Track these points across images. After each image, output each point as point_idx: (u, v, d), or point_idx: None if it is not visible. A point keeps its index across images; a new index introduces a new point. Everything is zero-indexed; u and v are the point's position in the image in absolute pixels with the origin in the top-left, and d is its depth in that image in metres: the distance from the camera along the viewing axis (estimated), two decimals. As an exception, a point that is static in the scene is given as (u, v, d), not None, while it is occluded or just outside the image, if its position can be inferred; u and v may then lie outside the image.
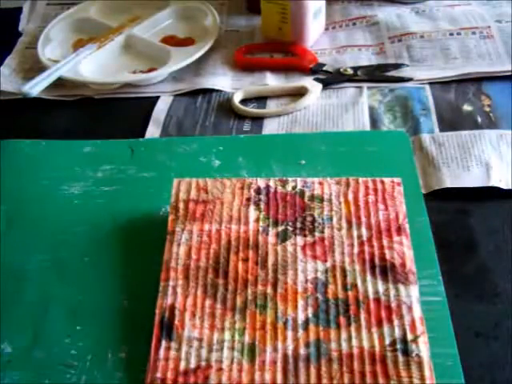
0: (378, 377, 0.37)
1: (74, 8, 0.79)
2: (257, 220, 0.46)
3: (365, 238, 0.44)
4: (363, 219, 0.46)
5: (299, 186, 0.48)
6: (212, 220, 0.46)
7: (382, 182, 0.48)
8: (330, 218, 0.46)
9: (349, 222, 0.46)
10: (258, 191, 0.48)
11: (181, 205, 0.48)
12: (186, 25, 0.77)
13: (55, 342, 0.42)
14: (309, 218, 0.46)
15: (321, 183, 0.49)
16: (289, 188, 0.48)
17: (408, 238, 0.44)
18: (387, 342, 0.38)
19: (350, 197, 0.47)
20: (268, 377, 0.38)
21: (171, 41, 0.73)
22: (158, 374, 0.38)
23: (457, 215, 0.50)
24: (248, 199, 0.48)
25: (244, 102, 0.64)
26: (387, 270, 0.42)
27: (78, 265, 0.48)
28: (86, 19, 0.77)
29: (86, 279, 0.47)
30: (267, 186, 0.49)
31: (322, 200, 0.47)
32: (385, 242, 0.44)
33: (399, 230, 0.45)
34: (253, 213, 0.47)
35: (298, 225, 0.46)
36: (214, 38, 0.71)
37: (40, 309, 0.45)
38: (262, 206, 0.47)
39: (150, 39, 0.73)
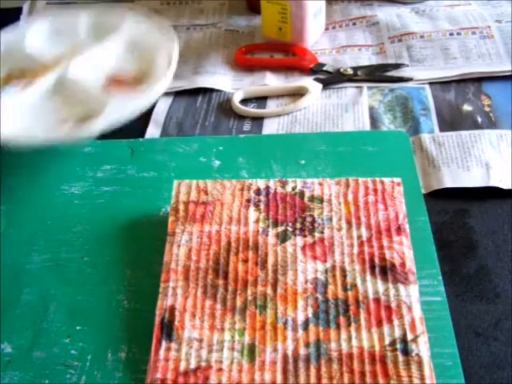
0: (378, 376, 0.37)
1: (8, 30, 0.63)
2: (257, 221, 0.46)
3: (364, 238, 0.44)
4: (363, 219, 0.46)
5: (299, 187, 0.48)
6: (212, 221, 0.46)
7: (382, 182, 0.48)
8: (330, 219, 0.46)
9: (348, 223, 0.46)
10: (258, 192, 0.48)
11: (181, 206, 0.48)
12: (138, 59, 0.60)
13: (55, 342, 0.42)
14: (308, 219, 0.46)
15: (320, 184, 0.49)
16: (289, 189, 0.48)
17: (408, 238, 0.44)
18: (387, 341, 0.38)
19: (350, 197, 0.47)
20: (268, 377, 0.38)
21: (116, 81, 0.58)
22: (158, 375, 0.38)
23: (457, 215, 0.50)
24: (248, 200, 0.48)
25: (244, 101, 0.64)
26: (387, 270, 0.42)
27: (78, 265, 0.48)
28: (19, 48, 0.60)
29: (86, 279, 0.47)
30: (267, 187, 0.49)
31: (321, 200, 0.47)
32: (385, 242, 0.44)
33: (399, 230, 0.45)
34: (252, 214, 0.47)
35: (298, 225, 0.46)
36: (168, 82, 0.55)
37: (40, 309, 0.45)
38: (262, 206, 0.47)
39: (89, 78, 0.57)
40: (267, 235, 0.45)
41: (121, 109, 0.52)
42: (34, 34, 0.60)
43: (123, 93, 0.53)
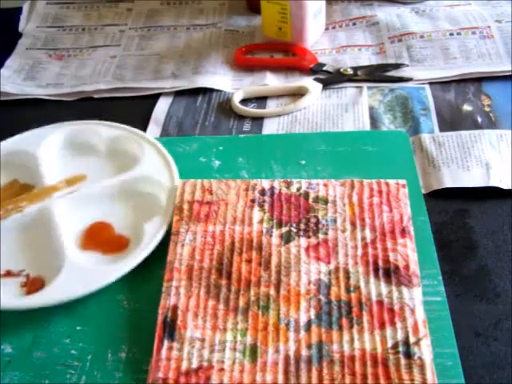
0: (380, 379, 0.37)
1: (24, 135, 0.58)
2: (261, 221, 0.46)
3: (369, 240, 0.44)
4: (367, 221, 0.46)
5: (304, 188, 0.48)
6: (216, 221, 0.46)
7: (387, 184, 0.48)
8: (334, 220, 0.46)
9: (353, 224, 0.46)
10: (263, 192, 0.48)
11: (185, 206, 0.48)
12: (137, 205, 0.52)
13: (55, 341, 0.42)
14: (313, 220, 0.46)
15: (325, 185, 0.49)
16: (293, 189, 0.48)
17: (412, 241, 0.44)
18: (389, 344, 0.38)
19: (355, 198, 0.47)
20: (269, 378, 0.38)
21: (100, 231, 0.50)
22: (160, 374, 0.38)
23: (457, 215, 0.50)
24: (252, 200, 0.48)
25: (244, 102, 0.64)
26: (390, 273, 0.42)
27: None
28: (32, 157, 0.55)
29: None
30: (272, 188, 0.49)
31: (326, 202, 0.47)
32: (389, 244, 0.44)
33: (403, 232, 0.45)
34: (257, 214, 0.47)
35: (302, 226, 0.46)
36: (154, 247, 0.46)
37: (40, 309, 0.44)
38: (267, 207, 0.47)
39: (69, 224, 0.50)
40: (271, 236, 0.45)
41: (76, 281, 0.45)
42: (51, 143, 0.57)
43: (98, 253, 0.48)
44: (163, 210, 0.49)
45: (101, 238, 0.49)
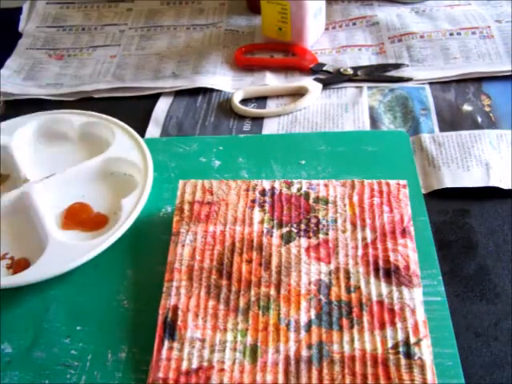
0: (380, 379, 0.37)
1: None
2: (261, 221, 0.46)
3: (369, 241, 0.44)
4: (368, 221, 0.46)
5: (304, 188, 0.48)
6: (216, 221, 0.46)
7: (388, 184, 0.48)
8: (335, 220, 0.46)
9: (353, 224, 0.46)
10: (263, 193, 0.48)
11: (186, 206, 0.48)
12: (114, 185, 0.54)
13: (55, 342, 0.42)
14: (313, 220, 0.46)
15: (326, 185, 0.49)
16: (294, 190, 0.48)
17: (413, 241, 0.44)
18: (390, 344, 0.38)
19: (355, 199, 0.47)
20: (269, 378, 0.38)
21: (79, 212, 0.51)
22: (160, 374, 0.38)
23: (457, 215, 0.50)
24: (253, 201, 0.48)
25: (244, 101, 0.64)
26: (391, 273, 0.42)
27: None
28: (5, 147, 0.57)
29: (86, 279, 0.46)
30: (272, 188, 0.49)
31: (326, 202, 0.47)
32: (389, 245, 0.44)
33: (404, 233, 0.45)
34: (257, 214, 0.47)
35: (303, 227, 0.46)
36: (132, 222, 0.49)
37: (40, 309, 0.45)
38: (267, 207, 0.47)
39: (49, 205, 0.51)
40: (272, 236, 0.45)
41: (57, 257, 0.46)
42: (23, 134, 0.58)
43: (78, 231, 0.50)
44: (139, 187, 0.51)
45: (80, 218, 0.51)
